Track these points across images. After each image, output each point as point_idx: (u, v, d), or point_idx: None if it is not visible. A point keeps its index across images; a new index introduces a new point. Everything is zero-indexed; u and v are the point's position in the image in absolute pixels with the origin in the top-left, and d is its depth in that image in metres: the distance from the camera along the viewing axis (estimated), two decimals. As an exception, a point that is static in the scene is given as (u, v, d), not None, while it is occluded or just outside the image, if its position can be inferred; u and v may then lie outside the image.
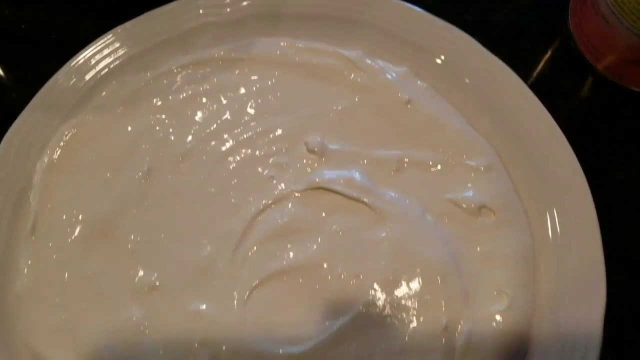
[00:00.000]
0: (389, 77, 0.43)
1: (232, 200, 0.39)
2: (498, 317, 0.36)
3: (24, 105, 0.42)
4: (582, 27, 0.44)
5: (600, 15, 0.41)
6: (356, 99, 0.42)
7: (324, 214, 0.39)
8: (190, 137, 0.41)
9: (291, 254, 0.37)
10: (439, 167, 0.40)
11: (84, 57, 0.43)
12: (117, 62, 0.43)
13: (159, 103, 0.42)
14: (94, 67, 0.43)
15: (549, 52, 0.47)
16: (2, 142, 0.40)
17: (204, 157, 0.41)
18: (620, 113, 0.45)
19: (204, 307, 0.36)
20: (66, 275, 0.37)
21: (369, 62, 0.43)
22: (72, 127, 0.41)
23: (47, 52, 0.47)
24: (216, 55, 0.44)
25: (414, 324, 0.36)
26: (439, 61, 0.43)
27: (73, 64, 0.43)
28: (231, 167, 0.40)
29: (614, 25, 0.40)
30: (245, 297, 0.36)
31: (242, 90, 0.43)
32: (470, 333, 0.35)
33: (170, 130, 0.41)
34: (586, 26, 0.43)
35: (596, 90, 0.45)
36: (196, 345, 0.35)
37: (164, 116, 0.42)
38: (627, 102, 0.45)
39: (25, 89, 0.42)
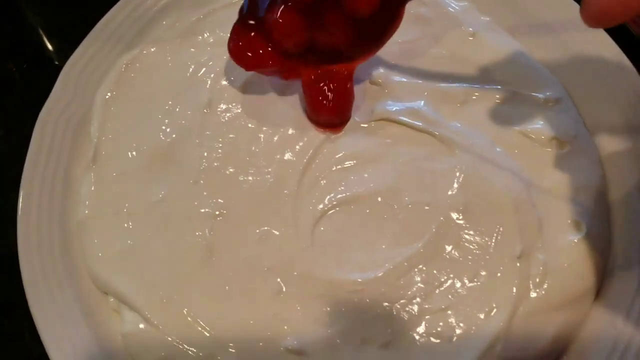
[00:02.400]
0: (452, 10, 0.41)
1: (297, 130, 0.38)
2: (574, 246, 0.34)
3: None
4: None
5: None
6: (419, 32, 0.41)
7: (389, 145, 0.38)
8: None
9: (357, 184, 0.36)
10: (506, 100, 0.39)
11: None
12: (178, -5, 0.42)
13: (219, 35, 0.41)
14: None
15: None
16: (62, 72, 0.39)
17: (265, 90, 0.40)
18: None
19: (271, 233, 0.35)
20: (129, 204, 0.36)
21: (431, -6, 0.42)
22: (131, 59, 0.40)
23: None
24: (275, -11, 0.43)
25: (487, 252, 0.34)
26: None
27: (131, -4, 0.42)
28: (292, 99, 0.40)
29: None
30: (313, 224, 0.35)
31: (302, 24, 0.42)
32: (545, 261, 0.34)
33: (230, 62, 0.40)
34: None
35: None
36: (265, 269, 0.34)
37: (223, 49, 0.41)
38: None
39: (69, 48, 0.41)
